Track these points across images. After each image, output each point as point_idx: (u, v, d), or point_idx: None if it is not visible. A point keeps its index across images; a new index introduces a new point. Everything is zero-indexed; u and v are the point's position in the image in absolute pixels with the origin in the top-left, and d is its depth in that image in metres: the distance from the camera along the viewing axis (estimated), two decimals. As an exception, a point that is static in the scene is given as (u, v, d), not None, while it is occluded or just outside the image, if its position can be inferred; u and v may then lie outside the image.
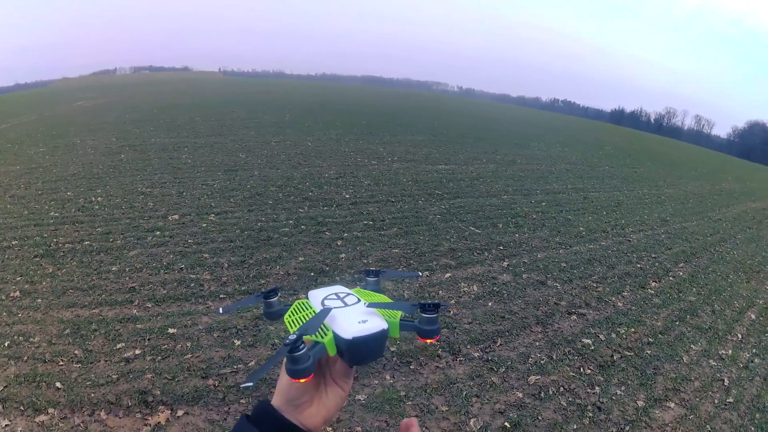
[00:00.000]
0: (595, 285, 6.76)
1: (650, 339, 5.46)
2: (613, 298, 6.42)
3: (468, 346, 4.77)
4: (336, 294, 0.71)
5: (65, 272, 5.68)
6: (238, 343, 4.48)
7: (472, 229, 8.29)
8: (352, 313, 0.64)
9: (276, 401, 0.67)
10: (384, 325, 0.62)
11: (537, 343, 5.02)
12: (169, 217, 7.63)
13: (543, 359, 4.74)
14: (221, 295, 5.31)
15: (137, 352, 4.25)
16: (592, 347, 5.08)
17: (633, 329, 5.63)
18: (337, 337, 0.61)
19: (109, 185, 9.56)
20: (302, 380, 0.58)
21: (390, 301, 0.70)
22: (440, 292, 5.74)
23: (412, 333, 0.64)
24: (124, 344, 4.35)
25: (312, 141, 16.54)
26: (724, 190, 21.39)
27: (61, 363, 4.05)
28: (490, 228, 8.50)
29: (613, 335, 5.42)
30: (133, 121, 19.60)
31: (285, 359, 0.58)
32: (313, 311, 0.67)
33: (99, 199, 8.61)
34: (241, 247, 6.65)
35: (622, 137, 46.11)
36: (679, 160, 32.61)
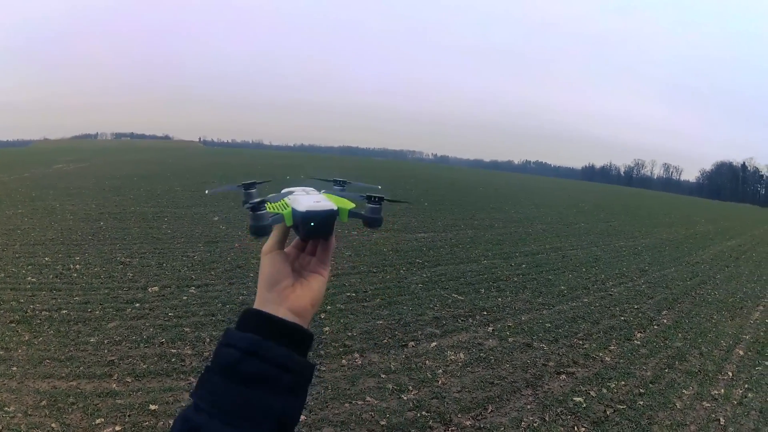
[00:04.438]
0: (581, 342, 6.78)
1: (641, 390, 5.43)
2: (601, 354, 6.43)
3: (459, 415, 4.68)
4: (304, 190, 0.83)
5: (42, 341, 5.49)
6: None
7: (455, 296, 8.34)
8: (310, 197, 0.76)
9: (259, 300, 0.72)
10: (334, 207, 0.73)
11: (528, 406, 4.95)
12: (149, 289, 7.51)
13: (536, 422, 4.66)
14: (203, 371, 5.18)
15: (117, 428, 4.05)
16: (584, 405, 5.03)
17: (623, 382, 5.61)
18: (294, 211, 0.72)
19: (88, 253, 9.43)
20: (262, 238, 0.72)
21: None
22: (427, 362, 5.70)
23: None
24: (103, 419, 4.14)
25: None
26: (698, 233, 21.99)
27: (38, 435, 3.85)
28: (472, 294, 8.56)
29: (604, 390, 5.38)
30: (113, 188, 19.81)
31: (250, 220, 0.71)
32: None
33: (77, 266, 8.45)
34: (223, 321, 6.51)
35: (595, 193, 47.59)
36: (651, 210, 33.60)
